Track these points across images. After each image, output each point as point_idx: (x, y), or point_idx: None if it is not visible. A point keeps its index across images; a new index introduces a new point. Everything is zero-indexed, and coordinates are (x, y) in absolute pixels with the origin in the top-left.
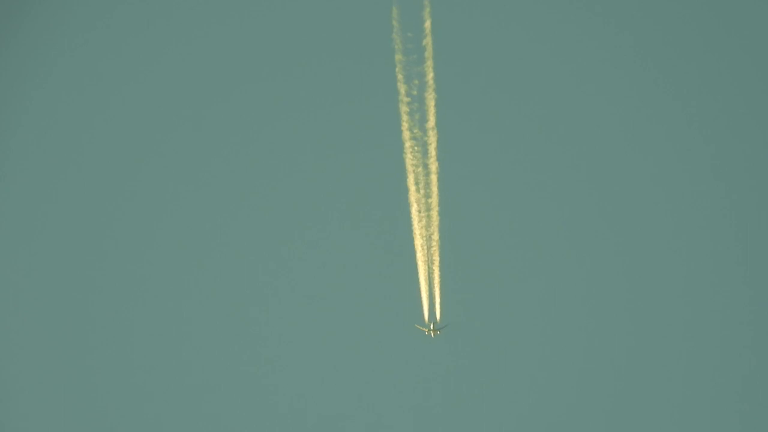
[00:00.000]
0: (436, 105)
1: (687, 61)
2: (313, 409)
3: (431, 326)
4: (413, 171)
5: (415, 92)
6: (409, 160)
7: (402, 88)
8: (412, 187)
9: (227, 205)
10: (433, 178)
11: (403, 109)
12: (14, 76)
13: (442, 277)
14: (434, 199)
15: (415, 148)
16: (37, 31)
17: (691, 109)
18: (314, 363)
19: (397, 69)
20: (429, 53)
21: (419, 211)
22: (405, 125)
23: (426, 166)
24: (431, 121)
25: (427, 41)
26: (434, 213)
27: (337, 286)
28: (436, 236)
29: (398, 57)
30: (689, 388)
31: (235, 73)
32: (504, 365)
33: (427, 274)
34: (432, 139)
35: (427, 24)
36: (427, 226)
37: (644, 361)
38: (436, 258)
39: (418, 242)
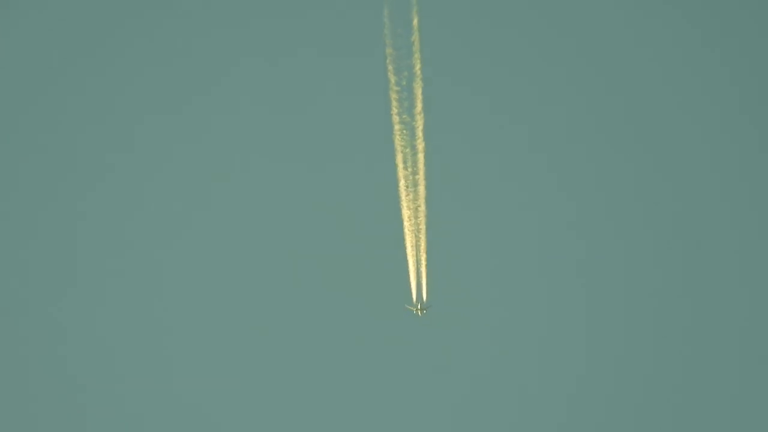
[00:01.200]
0: (422, 93)
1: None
2: (305, 394)
3: (418, 306)
4: (402, 151)
5: (404, 82)
6: (398, 141)
7: (392, 78)
8: (400, 165)
9: (219, 190)
10: (420, 156)
11: (393, 96)
12: None
13: (428, 244)
14: (420, 176)
15: (404, 130)
16: None
17: (692, 93)
18: (305, 347)
19: (387, 61)
20: (417, 47)
21: (407, 186)
22: (395, 110)
23: (413, 147)
24: (418, 107)
25: (415, 37)
26: (421, 188)
27: (328, 260)
28: (422, 208)
29: (389, 51)
30: (683, 382)
31: (233, 68)
32: (492, 341)
33: (414, 242)
34: (419, 122)
35: (415, 22)
36: (414, 199)
37: (638, 347)
38: (423, 227)
39: (405, 213)
